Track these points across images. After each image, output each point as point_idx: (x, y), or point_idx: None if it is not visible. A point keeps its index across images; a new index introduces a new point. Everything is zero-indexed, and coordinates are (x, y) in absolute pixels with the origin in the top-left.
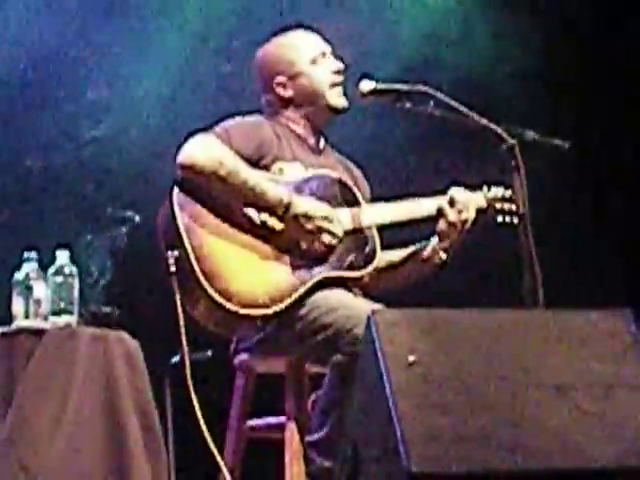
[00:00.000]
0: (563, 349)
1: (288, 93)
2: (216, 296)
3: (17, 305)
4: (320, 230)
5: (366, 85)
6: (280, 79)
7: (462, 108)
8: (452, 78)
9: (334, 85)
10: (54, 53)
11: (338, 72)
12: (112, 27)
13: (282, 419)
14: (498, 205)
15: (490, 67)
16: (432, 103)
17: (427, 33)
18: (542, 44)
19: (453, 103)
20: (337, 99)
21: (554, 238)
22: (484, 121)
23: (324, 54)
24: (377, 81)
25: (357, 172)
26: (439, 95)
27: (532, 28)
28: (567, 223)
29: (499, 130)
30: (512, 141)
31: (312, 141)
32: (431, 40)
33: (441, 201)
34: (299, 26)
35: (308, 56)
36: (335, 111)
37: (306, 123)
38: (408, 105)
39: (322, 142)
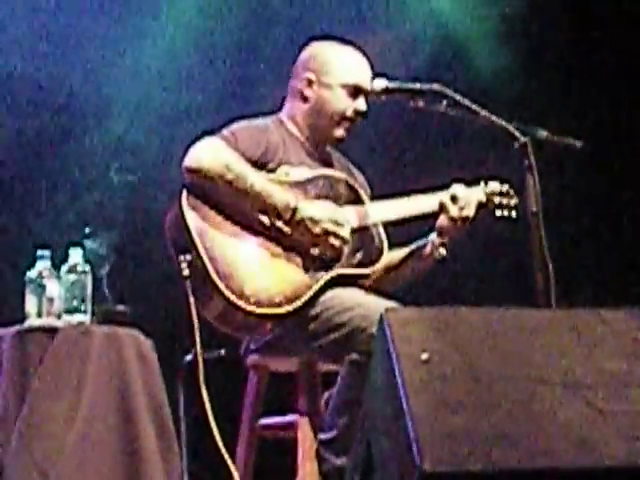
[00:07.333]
0: (576, 348)
1: (308, 93)
2: (232, 297)
3: (30, 303)
4: (327, 233)
5: (379, 83)
6: (311, 75)
7: (475, 107)
8: (462, 78)
9: (347, 120)
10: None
11: (358, 113)
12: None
13: (295, 418)
14: (497, 200)
15: (500, 65)
16: (445, 102)
17: (437, 36)
18: (551, 42)
19: (466, 101)
20: (340, 132)
21: (567, 236)
22: (497, 119)
23: (360, 90)
24: (390, 80)
25: (360, 177)
26: (452, 93)
27: (542, 26)
28: (581, 221)
29: (511, 128)
30: (524, 139)
31: (313, 150)
32: (441, 42)
33: (443, 197)
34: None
35: (346, 79)
36: (333, 140)
37: (310, 134)
38: (421, 104)
39: (325, 150)
